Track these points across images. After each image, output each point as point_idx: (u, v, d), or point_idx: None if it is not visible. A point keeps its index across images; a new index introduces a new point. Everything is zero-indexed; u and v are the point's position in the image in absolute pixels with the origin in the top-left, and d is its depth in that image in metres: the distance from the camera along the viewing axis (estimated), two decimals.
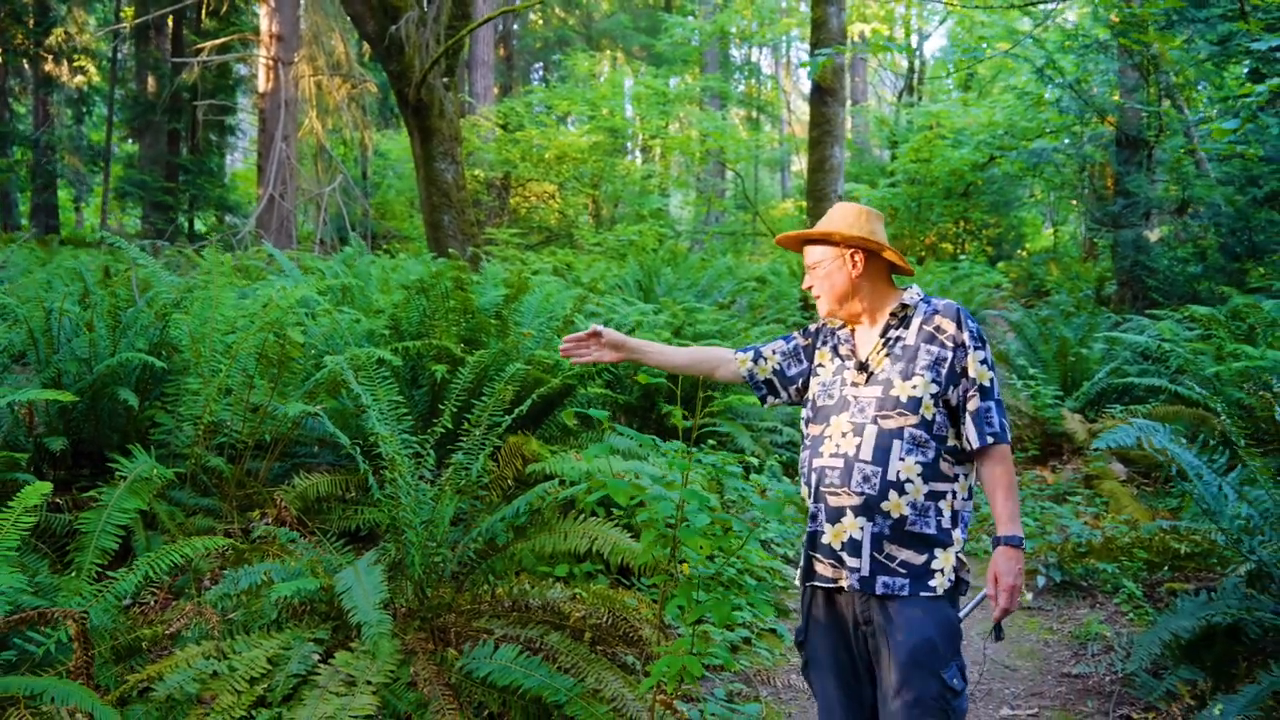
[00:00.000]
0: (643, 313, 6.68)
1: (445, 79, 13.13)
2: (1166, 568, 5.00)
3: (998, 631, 2.63)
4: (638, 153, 29.18)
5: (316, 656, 3.49)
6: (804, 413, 2.81)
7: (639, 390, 6.49)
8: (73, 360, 5.05)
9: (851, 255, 2.66)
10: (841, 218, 2.70)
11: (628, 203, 22.93)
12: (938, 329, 2.60)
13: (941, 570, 2.50)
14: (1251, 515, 4.02)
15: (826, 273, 2.68)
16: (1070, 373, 8.40)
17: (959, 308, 2.63)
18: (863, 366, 2.64)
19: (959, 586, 2.53)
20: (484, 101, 25.11)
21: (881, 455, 2.51)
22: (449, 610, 3.77)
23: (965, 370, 2.57)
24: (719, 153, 24.40)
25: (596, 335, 2.92)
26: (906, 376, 2.56)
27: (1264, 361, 6.20)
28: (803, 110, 37.96)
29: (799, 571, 2.69)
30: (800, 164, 35.08)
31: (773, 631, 4.66)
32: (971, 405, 2.55)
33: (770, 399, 2.93)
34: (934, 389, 2.54)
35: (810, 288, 2.75)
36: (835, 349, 2.76)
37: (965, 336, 2.58)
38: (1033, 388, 7.83)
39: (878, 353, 2.63)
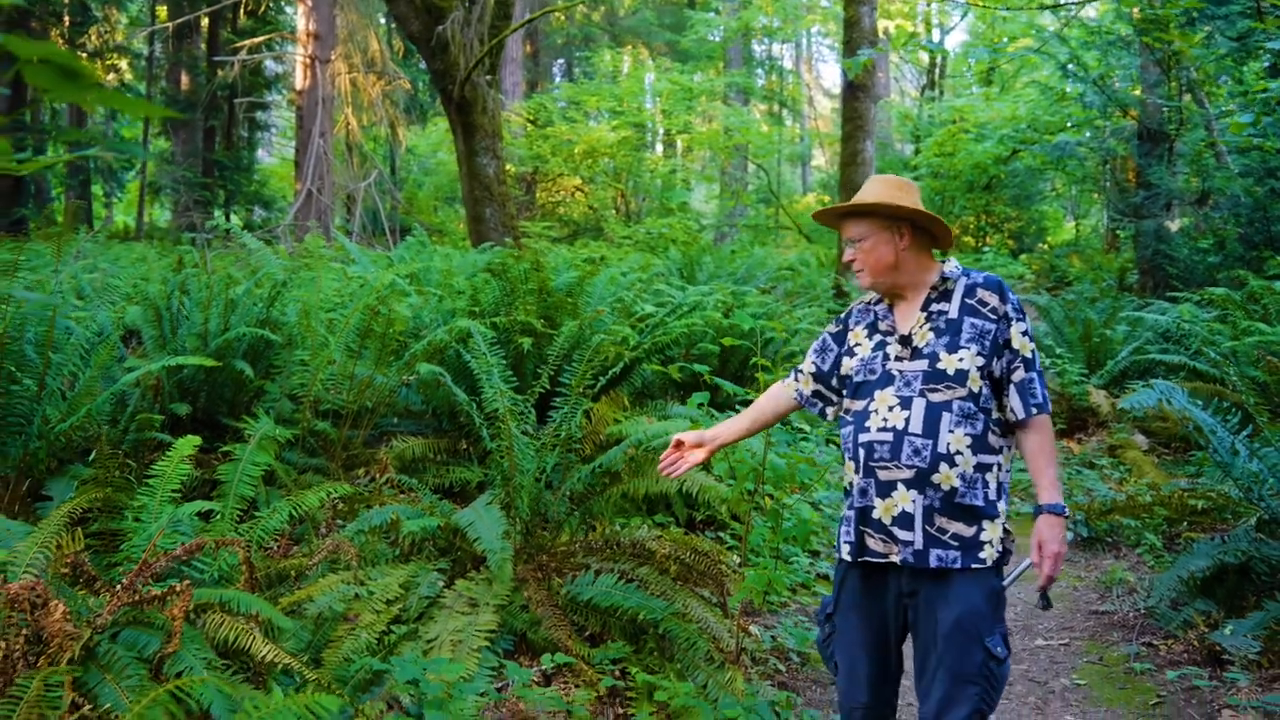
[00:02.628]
0: (701, 294, 7.20)
1: (487, 77, 13.63)
2: (1185, 523, 5.48)
3: (1044, 600, 2.67)
4: (659, 146, 29.65)
5: (442, 583, 4.02)
6: (845, 393, 2.79)
7: (689, 370, 7.00)
8: (191, 336, 5.59)
9: (899, 228, 2.65)
10: (885, 190, 2.67)
11: (653, 196, 23.45)
12: (980, 302, 2.60)
13: (990, 542, 2.52)
14: (1261, 470, 4.49)
15: (872, 245, 2.66)
16: (1095, 353, 8.91)
17: (1000, 280, 2.65)
18: (906, 340, 2.63)
19: (1004, 557, 2.56)
20: (513, 98, 25.57)
21: (931, 428, 2.52)
22: (551, 548, 4.29)
23: (1009, 342, 2.58)
24: (744, 147, 24.86)
25: (680, 445, 2.97)
26: (952, 349, 2.55)
27: (1276, 336, 6.66)
28: (824, 105, 38.39)
29: (846, 548, 2.68)
30: (821, 158, 35.53)
31: (827, 577, 5.17)
32: (1016, 377, 2.57)
33: (827, 410, 2.89)
34: (979, 361, 2.54)
35: (853, 261, 2.72)
36: (872, 326, 2.74)
37: (1008, 309, 2.59)
38: (1059, 366, 8.31)
39: (921, 326, 2.62)
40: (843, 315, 2.88)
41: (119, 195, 29.91)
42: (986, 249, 18.61)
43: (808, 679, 4.12)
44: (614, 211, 22.55)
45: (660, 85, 25.08)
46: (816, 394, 2.88)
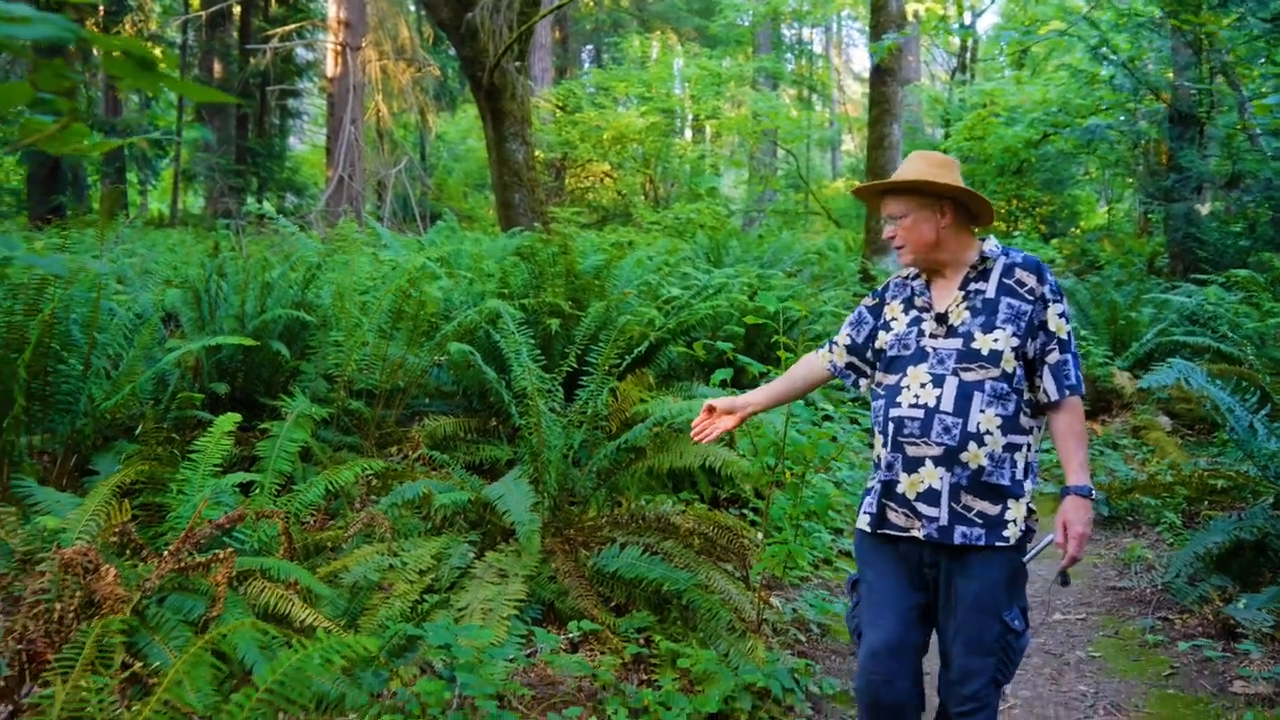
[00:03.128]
0: (727, 276, 7.30)
1: (516, 63, 13.73)
2: (1205, 502, 5.53)
3: (1064, 578, 2.69)
4: (688, 132, 29.67)
5: (472, 554, 4.16)
6: (878, 366, 2.81)
7: (716, 352, 7.11)
8: (228, 318, 5.75)
9: (941, 205, 2.65)
10: (927, 167, 2.66)
11: (682, 182, 23.49)
12: (1018, 282, 2.60)
13: (1014, 521, 2.55)
14: (1279, 449, 4.54)
15: (914, 222, 2.64)
16: (1120, 335, 8.93)
17: (1039, 261, 2.64)
18: (942, 318, 2.63)
19: (1028, 535, 2.59)
20: (542, 84, 25.65)
21: (962, 406, 2.53)
22: (578, 522, 4.42)
23: (1045, 324, 2.58)
24: (773, 133, 24.84)
25: (711, 410, 2.99)
26: (987, 329, 2.56)
27: None
28: (853, 90, 38.21)
29: (866, 519, 2.71)
30: (851, 143, 35.40)
31: (849, 554, 5.27)
32: (1051, 358, 2.57)
33: (862, 381, 2.90)
34: (1014, 342, 2.54)
35: (893, 237, 2.71)
36: (909, 301, 2.74)
37: (1046, 290, 2.59)
38: (1084, 348, 8.34)
39: (957, 305, 2.63)
40: (879, 289, 2.89)
41: (154, 183, 30.29)
42: (1017, 233, 18.52)
43: (827, 649, 4.23)
44: (643, 197, 22.62)
45: (689, 71, 25.09)
46: (850, 366, 2.90)
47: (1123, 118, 15.69)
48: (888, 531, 2.65)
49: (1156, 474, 5.85)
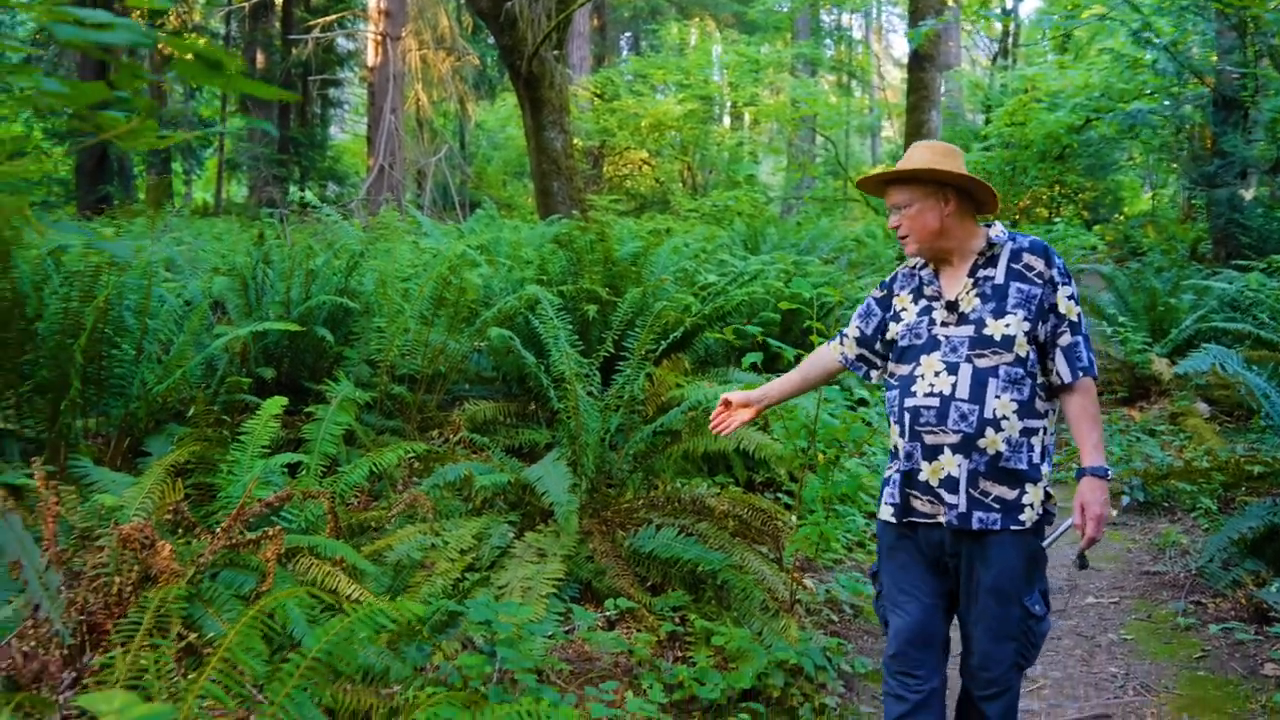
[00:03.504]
0: (764, 262, 7.36)
1: (555, 52, 13.81)
2: (1242, 487, 5.52)
3: (1081, 560, 2.74)
4: (726, 119, 29.63)
5: (512, 535, 4.26)
6: (890, 357, 2.82)
7: (749, 337, 7.17)
8: (274, 304, 5.89)
9: (944, 194, 2.66)
10: (929, 156, 2.67)
11: (720, 169, 23.51)
12: (1027, 266, 2.62)
13: (1031, 505, 2.56)
14: None
15: (918, 211, 2.66)
16: (1159, 321, 8.87)
17: (1046, 244, 2.66)
18: (952, 306, 2.65)
19: (1045, 518, 2.61)
20: (580, 71, 25.72)
21: (978, 393, 2.54)
22: (615, 504, 4.51)
23: (1055, 307, 2.59)
24: (811, 119, 24.76)
25: (728, 404, 3.05)
26: (999, 315, 2.57)
27: None
28: (893, 76, 37.92)
29: (889, 509, 2.72)
30: (890, 130, 35.15)
31: None
32: (1063, 341, 2.59)
33: (871, 373, 2.92)
34: (1026, 326, 2.55)
35: (897, 228, 2.72)
36: (918, 291, 2.76)
37: (1054, 273, 2.61)
38: (1122, 334, 8.31)
39: (967, 292, 2.64)
40: (887, 280, 2.90)
41: (198, 173, 30.74)
42: (1058, 220, 18.37)
43: (860, 629, 4.30)
44: (680, 185, 22.66)
45: (727, 58, 25.06)
46: (860, 358, 2.91)
47: (1166, 102, 15.50)
48: (914, 520, 2.66)
49: (1193, 460, 5.85)
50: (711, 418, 3.09)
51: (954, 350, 2.60)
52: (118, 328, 5.01)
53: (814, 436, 3.75)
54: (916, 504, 2.65)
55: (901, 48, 40.40)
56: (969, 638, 2.67)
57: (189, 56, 1.07)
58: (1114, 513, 5.79)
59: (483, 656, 3.40)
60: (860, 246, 12.26)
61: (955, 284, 2.69)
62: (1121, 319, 8.70)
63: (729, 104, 27.72)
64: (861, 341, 2.89)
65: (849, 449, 4.38)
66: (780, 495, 5.49)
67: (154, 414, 5.06)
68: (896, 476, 2.70)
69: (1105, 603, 4.63)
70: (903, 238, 2.73)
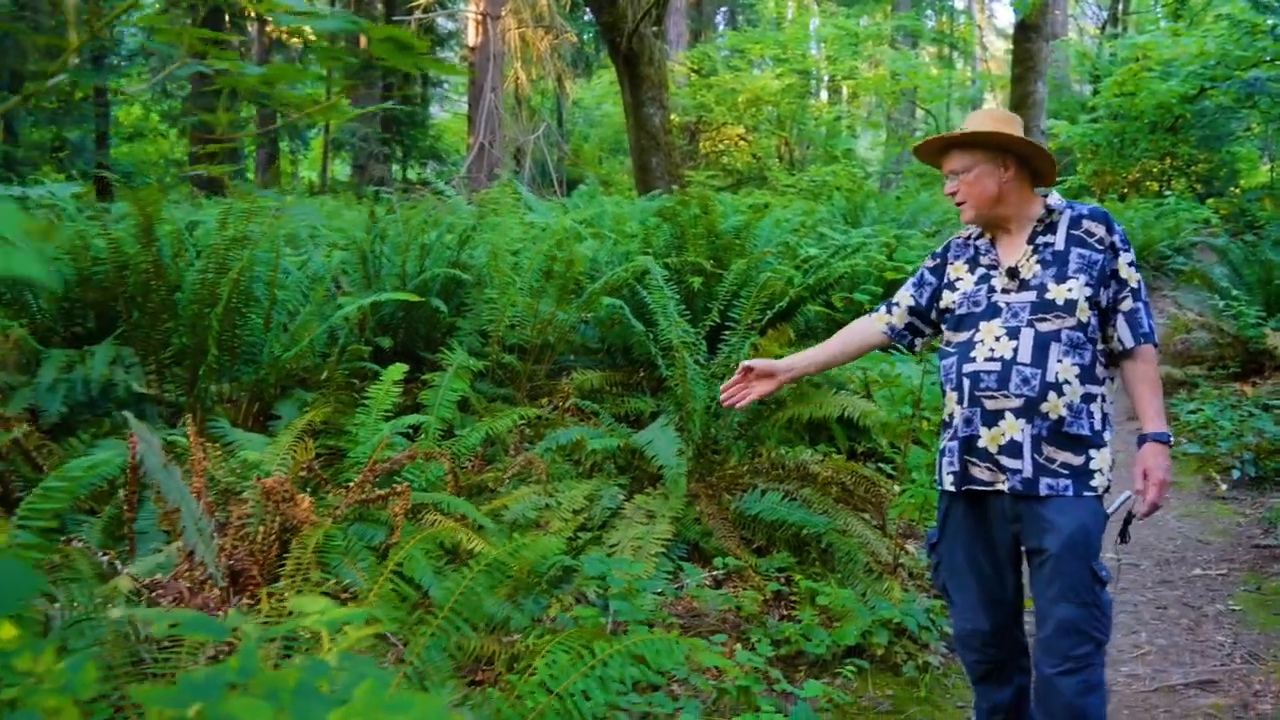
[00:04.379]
0: (865, 236, 7.40)
1: (654, 28, 13.89)
2: None
3: (1125, 533, 2.71)
4: (823, 93, 29.35)
5: (622, 497, 4.43)
6: (944, 326, 2.81)
7: (852, 310, 7.22)
8: (390, 277, 6.14)
9: (1003, 160, 2.65)
10: (989, 122, 2.68)
11: (817, 144, 23.33)
12: (1087, 232, 2.63)
13: (1100, 470, 2.56)
14: None
15: (976, 177, 2.65)
16: (1275, 295, 8.63)
17: (1106, 212, 2.66)
18: (1013, 273, 2.64)
19: (1110, 486, 2.60)
20: (677, 47, 25.72)
21: (1040, 357, 2.53)
22: (719, 469, 4.64)
23: (1116, 272, 2.61)
24: (911, 92, 24.41)
25: (749, 370, 2.94)
26: (1060, 280, 2.57)
27: None
28: (996, 47, 37.04)
29: (949, 477, 2.70)
30: (993, 102, 34.37)
31: None
32: (1124, 306, 2.61)
33: (917, 342, 2.93)
34: (1088, 291, 2.55)
35: (954, 194, 2.72)
36: (973, 260, 2.76)
37: (1115, 239, 2.62)
38: (1236, 308, 8.11)
39: (1027, 259, 2.64)
40: (939, 250, 2.90)
41: (304, 152, 31.61)
42: (1169, 194, 17.84)
43: None
44: (777, 160, 22.56)
45: (825, 30, 24.82)
46: (909, 326, 2.89)
47: None
48: (973, 488, 2.65)
49: None
50: (725, 387, 3.00)
51: (1014, 316, 2.60)
52: (248, 299, 5.30)
53: (919, 405, 3.82)
54: (975, 471, 2.63)
55: (1005, 17, 39.43)
56: (1040, 608, 2.62)
57: (383, 39, 1.22)
58: (1224, 486, 5.71)
59: (596, 609, 3.57)
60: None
61: (1014, 251, 2.68)
62: (1235, 292, 8.49)
63: (826, 78, 27.47)
64: (914, 310, 2.88)
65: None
66: (881, 465, 5.55)
67: (280, 380, 5.35)
68: (955, 445, 2.67)
69: (1213, 574, 4.61)
70: (960, 203, 2.72)
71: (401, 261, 6.12)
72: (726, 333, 4.83)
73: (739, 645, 3.54)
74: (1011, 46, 11.53)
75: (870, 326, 2.97)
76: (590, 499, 4.36)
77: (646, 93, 13.79)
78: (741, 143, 23.37)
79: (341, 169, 29.82)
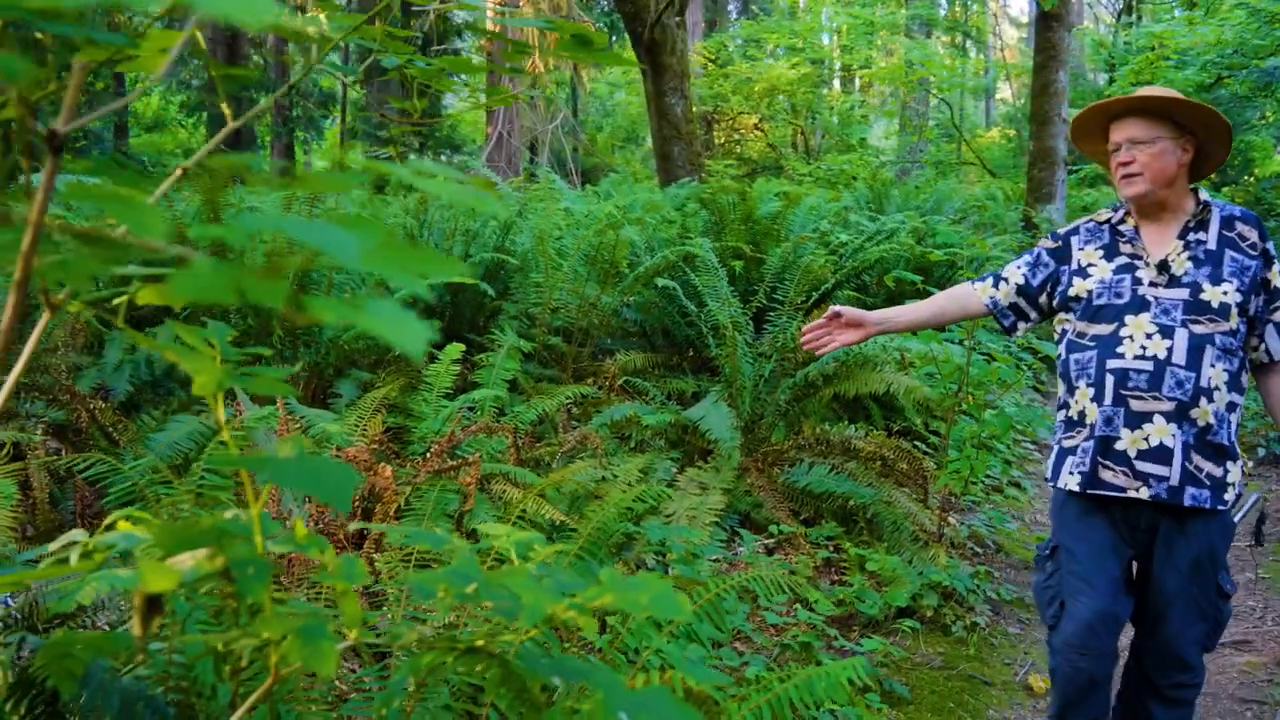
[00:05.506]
0: (895, 223, 7.57)
1: (676, 18, 14.04)
2: None
3: (1259, 536, 2.69)
4: (837, 83, 29.45)
5: (675, 469, 4.63)
6: (1068, 315, 2.64)
7: (884, 293, 7.40)
8: None
9: (1187, 141, 2.50)
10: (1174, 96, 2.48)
11: (832, 133, 23.46)
12: (1240, 236, 2.50)
13: (1234, 484, 2.46)
14: None
15: (1160, 150, 2.47)
16: None
17: (1258, 216, 2.55)
18: (1163, 266, 2.49)
19: (1238, 498, 2.51)
20: (693, 37, 25.74)
21: (1195, 360, 2.40)
22: (766, 444, 4.83)
23: (1268, 282, 2.49)
24: (926, 81, 24.51)
25: (836, 316, 2.78)
26: (1215, 281, 2.44)
27: None
28: (1010, 35, 37.06)
29: (1076, 479, 2.53)
30: (1007, 91, 34.43)
31: (1017, 485, 5.55)
32: (1276, 317, 2.50)
33: (1020, 324, 2.77)
34: (1239, 298, 2.43)
35: (1129, 163, 2.49)
36: (1110, 248, 2.59)
37: (1268, 246, 2.50)
38: None
39: (1178, 254, 2.49)
40: (1062, 232, 2.72)
41: (319, 142, 31.81)
42: None
43: (1003, 563, 4.56)
44: (793, 149, 22.71)
45: (839, 20, 24.93)
46: (1013, 306, 2.74)
47: None
48: (1101, 492, 2.49)
49: None
50: (806, 329, 2.84)
51: (1166, 313, 2.45)
52: (305, 281, 5.50)
53: (965, 380, 4.01)
54: (1107, 475, 2.48)
55: (1018, 6, 39.44)
56: (1159, 619, 2.53)
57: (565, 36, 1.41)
58: (1250, 464, 5.91)
59: (657, 573, 3.77)
60: (983, 209, 12.29)
61: (1163, 244, 2.53)
62: None
63: (840, 67, 27.57)
64: (1022, 290, 2.72)
65: (998, 391, 4.62)
66: (917, 443, 5.74)
67: (337, 361, 5.56)
68: (1089, 445, 2.51)
69: (1241, 545, 4.79)
70: (1131, 175, 2.50)
71: (449, 247, 6.31)
72: (771, 314, 5.02)
73: (799, 605, 3.74)
74: (1030, 36, 11.65)
75: (972, 296, 2.81)
76: (644, 472, 4.55)
77: (668, 82, 13.94)
78: (756, 132, 23.51)
79: (356, 159, 29.91)
